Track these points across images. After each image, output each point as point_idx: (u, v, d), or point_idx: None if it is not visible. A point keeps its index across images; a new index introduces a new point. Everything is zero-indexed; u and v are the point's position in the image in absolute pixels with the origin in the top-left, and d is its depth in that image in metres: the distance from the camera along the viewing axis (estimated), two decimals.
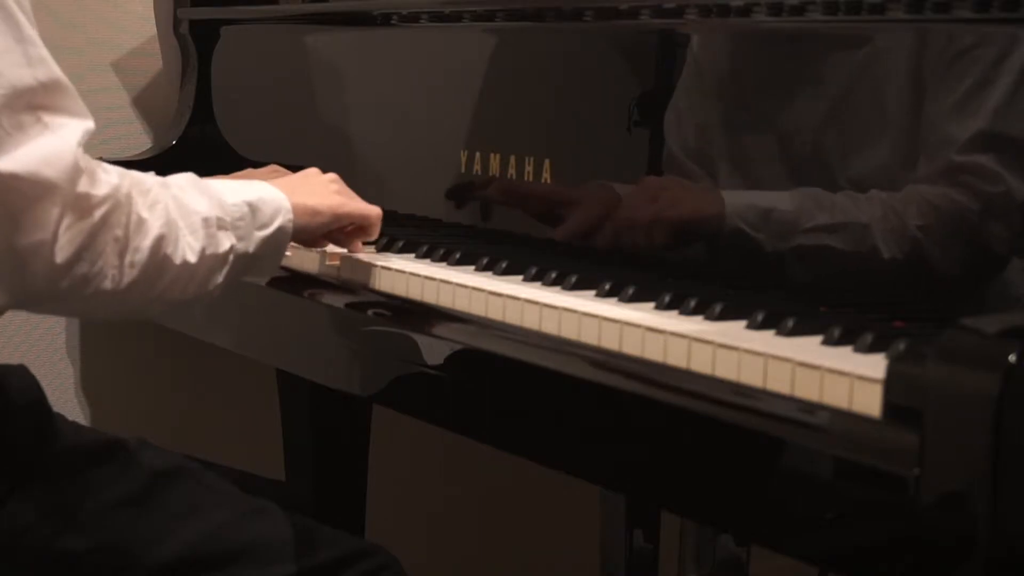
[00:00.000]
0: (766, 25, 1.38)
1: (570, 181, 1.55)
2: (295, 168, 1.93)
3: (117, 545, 1.38)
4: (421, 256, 1.57)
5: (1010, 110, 1.18)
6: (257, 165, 2.07)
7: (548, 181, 1.56)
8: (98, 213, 1.23)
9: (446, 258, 1.53)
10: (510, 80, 1.67)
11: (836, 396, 1.02)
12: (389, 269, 1.49)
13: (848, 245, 1.28)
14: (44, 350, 2.32)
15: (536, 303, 1.31)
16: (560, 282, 1.39)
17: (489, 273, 1.47)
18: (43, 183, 1.20)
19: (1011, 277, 1.17)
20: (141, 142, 2.31)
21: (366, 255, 1.56)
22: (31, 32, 1.21)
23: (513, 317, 1.33)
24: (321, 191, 1.50)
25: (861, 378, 1.01)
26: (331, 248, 1.58)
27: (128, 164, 2.13)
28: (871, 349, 1.08)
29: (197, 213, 1.33)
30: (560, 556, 2.50)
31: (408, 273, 1.47)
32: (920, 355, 0.96)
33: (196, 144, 2.16)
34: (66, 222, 1.21)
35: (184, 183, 1.35)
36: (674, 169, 1.45)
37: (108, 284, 1.25)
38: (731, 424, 1.09)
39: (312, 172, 1.55)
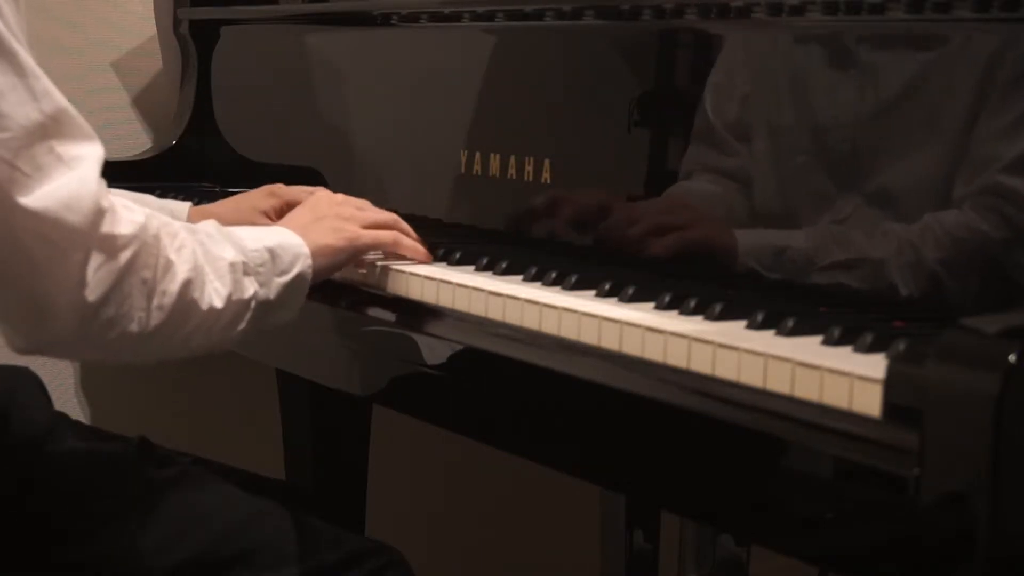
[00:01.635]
0: (766, 25, 1.38)
1: (570, 181, 1.55)
2: (296, 170, 1.94)
3: (121, 551, 1.38)
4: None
5: None
6: (257, 165, 2.07)
7: (548, 181, 1.56)
8: (126, 254, 1.22)
9: (446, 258, 1.53)
10: (510, 80, 1.67)
11: (836, 396, 1.02)
12: (389, 269, 1.49)
13: (864, 284, 1.26)
14: None
15: (536, 303, 1.31)
16: (560, 282, 1.39)
17: (489, 273, 1.47)
18: (66, 228, 1.18)
19: (1013, 277, 1.17)
20: (141, 142, 2.31)
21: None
22: (30, 63, 1.19)
23: (513, 317, 1.33)
24: (335, 225, 1.47)
25: (861, 378, 1.01)
26: None
27: (128, 164, 2.13)
28: (871, 349, 1.08)
29: (223, 259, 1.31)
30: (560, 556, 2.50)
31: (408, 273, 1.47)
32: (920, 355, 0.96)
33: (196, 144, 2.16)
34: (93, 264, 1.20)
35: (210, 229, 1.33)
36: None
37: (135, 327, 1.24)
38: (731, 424, 1.09)
39: (322, 198, 1.53)
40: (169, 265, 1.25)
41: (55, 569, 1.38)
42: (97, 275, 1.20)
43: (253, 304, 1.33)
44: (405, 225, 1.53)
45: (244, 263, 1.33)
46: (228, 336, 1.33)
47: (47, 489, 1.39)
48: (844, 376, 1.02)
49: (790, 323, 1.16)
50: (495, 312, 1.35)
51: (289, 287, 1.37)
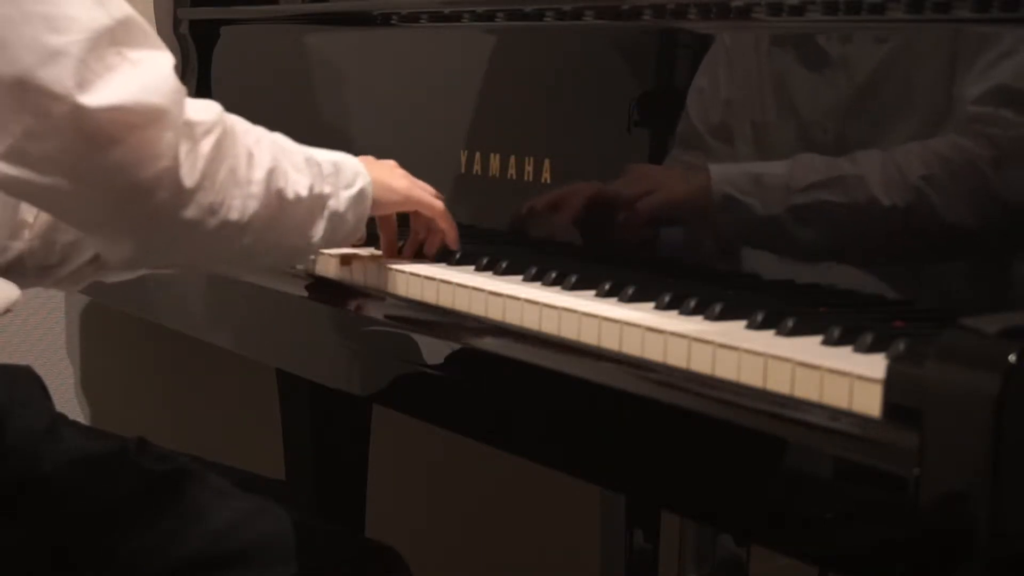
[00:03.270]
0: (766, 25, 1.38)
1: (570, 181, 1.55)
2: None
3: (120, 549, 1.38)
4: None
5: None
6: None
7: (548, 181, 1.56)
8: (210, 140, 1.22)
9: (446, 258, 1.53)
10: (510, 80, 1.67)
11: (836, 396, 1.03)
12: (389, 269, 1.50)
13: (846, 199, 1.27)
14: (44, 350, 2.32)
15: (536, 303, 1.31)
16: (560, 282, 1.39)
17: (489, 273, 1.47)
18: (151, 109, 1.17)
19: (1013, 277, 1.17)
20: None
21: (366, 256, 1.56)
22: None
23: (513, 317, 1.33)
24: (397, 173, 1.49)
25: (861, 378, 1.01)
26: (333, 250, 1.58)
27: None
28: (871, 349, 1.08)
29: (298, 153, 1.32)
30: (560, 556, 2.50)
31: (408, 273, 1.47)
32: (920, 355, 0.96)
33: None
34: (184, 148, 1.19)
35: (276, 135, 1.34)
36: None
37: (235, 215, 1.24)
38: (731, 424, 1.09)
39: (388, 162, 1.54)
40: (251, 155, 1.26)
41: (53, 568, 1.38)
42: (189, 158, 1.19)
43: (327, 207, 1.34)
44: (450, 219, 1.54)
45: (319, 163, 1.34)
46: (307, 239, 1.33)
47: (46, 489, 1.39)
48: (844, 376, 1.02)
49: (790, 323, 1.16)
50: (495, 312, 1.35)
51: (353, 201, 1.38)
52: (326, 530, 1.47)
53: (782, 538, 1.07)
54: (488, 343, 1.34)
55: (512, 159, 1.60)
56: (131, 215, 1.20)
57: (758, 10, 1.38)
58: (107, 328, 2.37)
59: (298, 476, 2.17)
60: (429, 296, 1.43)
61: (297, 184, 1.30)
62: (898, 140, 1.25)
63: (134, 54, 1.19)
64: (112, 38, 1.17)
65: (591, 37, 1.57)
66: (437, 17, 1.76)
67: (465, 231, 1.67)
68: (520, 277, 1.44)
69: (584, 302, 1.30)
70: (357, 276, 1.54)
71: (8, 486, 1.37)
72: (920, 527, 0.94)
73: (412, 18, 1.80)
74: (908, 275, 1.24)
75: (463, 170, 1.67)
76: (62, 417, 1.47)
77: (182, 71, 2.21)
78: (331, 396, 2.08)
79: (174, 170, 1.18)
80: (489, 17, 1.68)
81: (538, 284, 1.41)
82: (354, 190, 1.38)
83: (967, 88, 1.20)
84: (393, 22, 1.83)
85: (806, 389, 1.05)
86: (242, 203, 1.24)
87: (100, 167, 1.17)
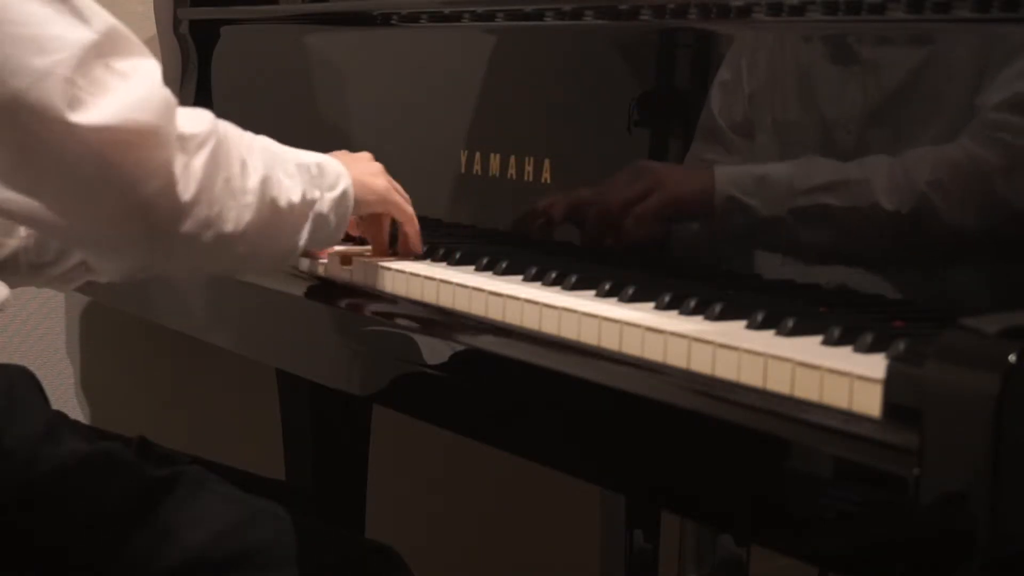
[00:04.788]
0: (767, 25, 1.38)
1: (570, 181, 1.55)
2: None
3: (120, 550, 1.38)
4: (421, 256, 1.57)
5: None
6: None
7: (548, 181, 1.56)
8: (204, 153, 1.22)
9: (446, 258, 1.53)
10: (510, 80, 1.67)
11: (836, 396, 1.03)
12: (389, 269, 1.50)
13: (848, 203, 1.27)
14: (44, 350, 2.32)
15: (536, 303, 1.31)
16: (560, 282, 1.39)
17: (489, 273, 1.47)
18: (144, 128, 1.17)
19: (1013, 278, 1.17)
20: None
21: (366, 256, 1.56)
22: None
23: (513, 317, 1.33)
24: (376, 171, 1.50)
25: (861, 378, 1.01)
26: (333, 249, 1.58)
27: None
28: (871, 349, 1.08)
29: (289, 160, 1.34)
30: (560, 556, 2.50)
31: (408, 273, 1.47)
32: (920, 355, 0.96)
33: None
34: (179, 162, 1.19)
35: (265, 139, 1.35)
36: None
37: (230, 226, 1.24)
38: (731, 424, 1.09)
39: (364, 155, 1.54)
40: (244, 164, 1.26)
41: (52, 569, 1.38)
42: (185, 173, 1.20)
43: (315, 209, 1.35)
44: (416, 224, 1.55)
45: (307, 166, 1.35)
46: (292, 244, 1.34)
47: (44, 490, 1.39)
48: (844, 376, 1.02)
49: (790, 323, 1.16)
50: (495, 312, 1.35)
51: (336, 203, 1.39)
52: (326, 531, 1.47)
53: (782, 538, 1.07)
54: (488, 343, 1.34)
55: (512, 159, 1.60)
56: (128, 233, 1.20)
57: (758, 10, 1.38)
58: (107, 328, 2.37)
59: (298, 476, 2.17)
60: (429, 296, 1.43)
61: (290, 191, 1.31)
62: (906, 143, 1.25)
63: (122, 64, 1.19)
64: (99, 52, 1.18)
65: (591, 37, 1.57)
66: (437, 17, 1.76)
67: (465, 231, 1.67)
68: (520, 277, 1.44)
69: (584, 302, 1.30)
70: (357, 276, 1.54)
71: (6, 488, 1.37)
72: (920, 527, 0.94)
73: (412, 18, 1.80)
74: (909, 276, 1.24)
75: (463, 170, 1.67)
76: (62, 416, 1.47)
77: (182, 71, 2.21)
78: (331, 396, 2.08)
79: (171, 187, 1.19)
80: (489, 17, 1.68)
81: (538, 284, 1.41)
82: (337, 192, 1.39)
83: (983, 94, 1.20)
84: (393, 22, 1.83)
85: (806, 389, 1.05)
86: (237, 214, 1.25)
87: (96, 188, 1.17)
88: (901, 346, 1.05)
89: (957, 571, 0.92)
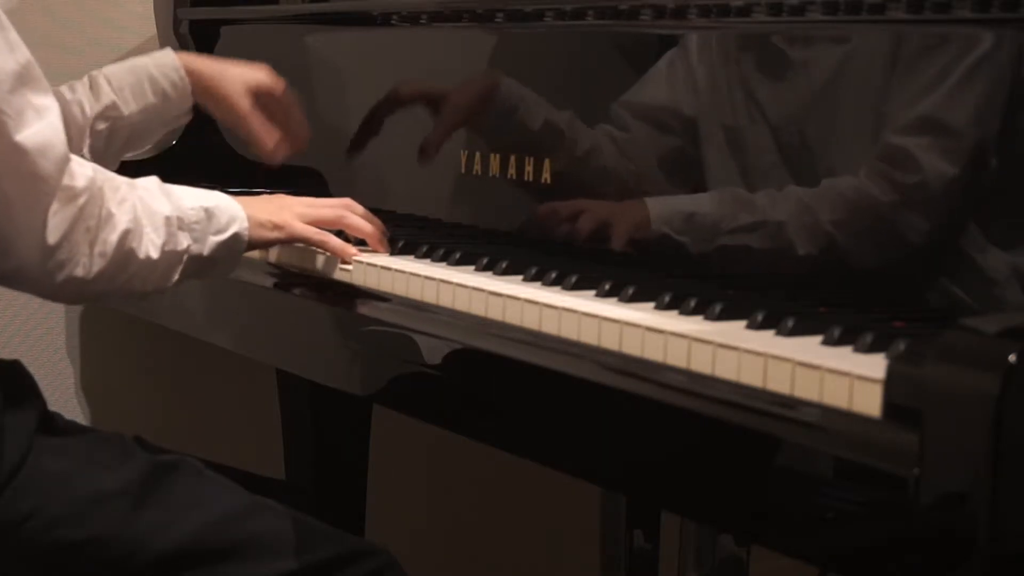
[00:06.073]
0: (767, 25, 1.38)
1: (570, 181, 1.55)
2: (296, 170, 1.94)
3: (116, 536, 1.38)
4: (421, 256, 1.57)
5: (953, 101, 1.19)
6: (257, 165, 2.07)
7: (548, 181, 1.56)
8: (77, 203, 1.34)
9: (446, 258, 1.53)
10: (510, 80, 1.66)
11: (836, 396, 1.02)
12: (389, 269, 1.50)
13: (765, 245, 1.32)
14: (44, 350, 2.32)
15: (536, 303, 1.31)
16: (560, 282, 1.39)
17: (489, 273, 1.47)
18: (39, 173, 1.31)
19: (1013, 278, 1.17)
20: None
21: (366, 256, 1.56)
22: (3, 17, 1.30)
23: (513, 317, 1.33)
24: (278, 208, 1.56)
25: (861, 378, 1.01)
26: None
27: (128, 164, 2.13)
28: (871, 349, 1.08)
29: (160, 212, 1.42)
30: (560, 556, 2.50)
31: (408, 273, 1.47)
32: (920, 355, 0.96)
33: (196, 145, 2.16)
34: (53, 209, 1.33)
35: (150, 186, 1.44)
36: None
37: (80, 271, 1.36)
38: (731, 424, 1.09)
39: (281, 195, 1.64)
40: (110, 216, 1.37)
41: (51, 557, 1.37)
42: (55, 220, 1.33)
43: (186, 257, 1.45)
44: (358, 208, 1.59)
45: (179, 218, 1.44)
46: (163, 286, 1.45)
47: (39, 484, 1.38)
48: (844, 376, 1.02)
49: (790, 323, 1.16)
50: (495, 312, 1.35)
51: (223, 245, 1.48)
52: (322, 528, 1.47)
53: (782, 538, 1.07)
54: (488, 343, 1.34)
55: (512, 159, 1.60)
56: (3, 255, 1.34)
57: (758, 10, 1.38)
58: (107, 328, 2.36)
59: (298, 476, 2.17)
60: (429, 296, 1.43)
61: (149, 246, 1.41)
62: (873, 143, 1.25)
63: (38, 100, 1.32)
64: (20, 83, 1.31)
65: (591, 37, 1.57)
66: (437, 17, 1.76)
67: (465, 231, 1.67)
68: (520, 277, 1.44)
69: (584, 302, 1.30)
70: (357, 276, 1.54)
71: (3, 478, 1.37)
72: (920, 527, 0.94)
73: (412, 18, 1.80)
74: (909, 276, 1.24)
75: (463, 170, 1.67)
76: (59, 415, 1.47)
77: None
78: (331, 396, 2.08)
79: (41, 230, 1.33)
80: (489, 17, 1.68)
81: (538, 284, 1.41)
82: (226, 235, 1.48)
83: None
84: (393, 22, 1.83)
85: (806, 389, 1.05)
86: (89, 261, 1.36)
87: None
88: (901, 346, 1.05)
89: (957, 571, 0.92)
